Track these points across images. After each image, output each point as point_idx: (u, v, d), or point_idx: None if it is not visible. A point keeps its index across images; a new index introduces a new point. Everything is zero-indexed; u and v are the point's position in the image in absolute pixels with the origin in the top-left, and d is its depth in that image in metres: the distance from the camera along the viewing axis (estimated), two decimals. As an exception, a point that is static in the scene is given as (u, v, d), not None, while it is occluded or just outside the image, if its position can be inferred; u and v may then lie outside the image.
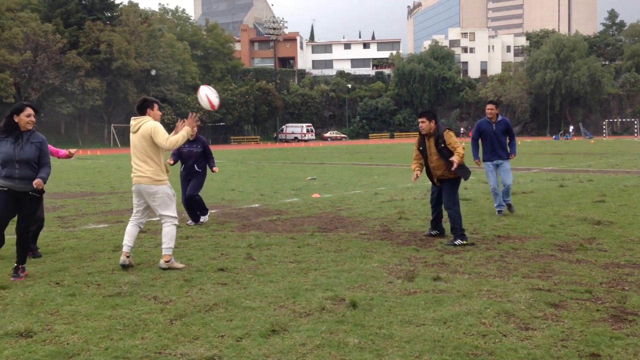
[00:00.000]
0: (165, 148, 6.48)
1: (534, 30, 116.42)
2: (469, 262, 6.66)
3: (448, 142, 7.88)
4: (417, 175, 8.40)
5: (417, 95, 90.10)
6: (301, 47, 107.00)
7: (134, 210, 6.73)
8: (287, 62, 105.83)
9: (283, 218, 10.23)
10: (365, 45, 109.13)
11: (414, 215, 10.24)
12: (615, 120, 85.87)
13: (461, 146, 7.83)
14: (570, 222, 9.24)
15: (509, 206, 10.23)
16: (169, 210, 6.57)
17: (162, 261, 6.50)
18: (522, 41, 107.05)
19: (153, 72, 66.34)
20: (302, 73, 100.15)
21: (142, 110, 6.60)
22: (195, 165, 9.75)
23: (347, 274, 6.20)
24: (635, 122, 77.72)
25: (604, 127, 78.71)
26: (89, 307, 5.08)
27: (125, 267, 6.45)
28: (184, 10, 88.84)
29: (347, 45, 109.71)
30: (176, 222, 6.64)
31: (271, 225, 9.52)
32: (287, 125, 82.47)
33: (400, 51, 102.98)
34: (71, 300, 5.30)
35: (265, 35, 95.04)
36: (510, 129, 10.34)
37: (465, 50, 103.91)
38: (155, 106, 6.68)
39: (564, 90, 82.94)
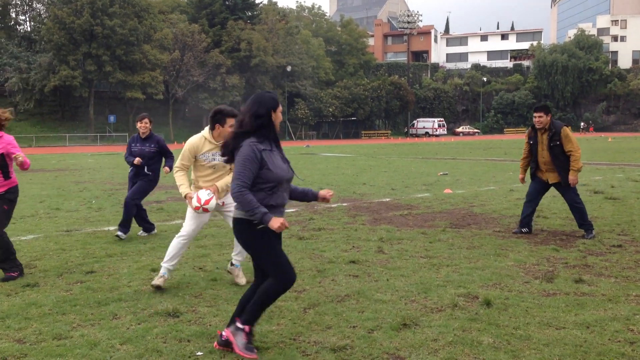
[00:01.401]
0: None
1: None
2: (615, 265, 6.22)
3: (565, 142, 7.63)
4: (522, 178, 8.38)
5: (559, 87, 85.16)
6: (435, 41, 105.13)
7: None
8: (420, 55, 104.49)
9: (414, 213, 10.16)
10: (503, 37, 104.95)
11: (553, 214, 9.72)
12: None
13: (579, 153, 7.60)
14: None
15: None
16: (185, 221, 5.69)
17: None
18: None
19: (289, 69, 68.46)
20: (435, 67, 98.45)
21: (211, 124, 5.50)
22: (145, 167, 8.16)
23: (480, 271, 6.04)
24: None
25: None
26: (228, 292, 5.38)
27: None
28: (320, 7, 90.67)
29: (484, 37, 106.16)
30: (182, 236, 5.60)
31: (402, 219, 9.48)
32: (418, 119, 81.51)
33: (542, 42, 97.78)
34: (213, 285, 5.64)
35: (399, 30, 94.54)
36: None
37: (615, 38, 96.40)
38: (229, 122, 5.36)
39: None
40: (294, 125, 73.57)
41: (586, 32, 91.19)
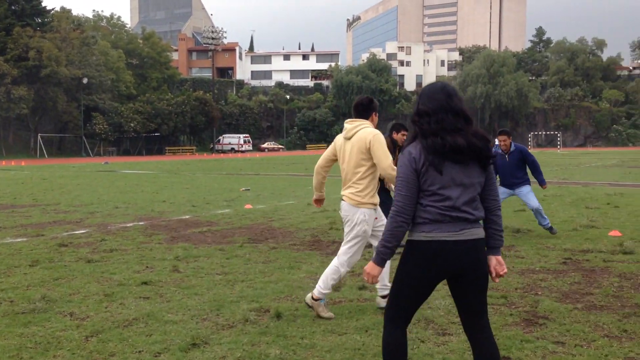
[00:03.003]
0: (384, 172, 4.90)
1: (466, 45, 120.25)
2: (393, 271, 6.75)
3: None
4: None
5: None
6: (240, 58, 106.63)
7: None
8: (225, 72, 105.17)
9: (213, 229, 10.11)
10: (305, 57, 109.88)
11: (345, 226, 10.32)
12: (540, 133, 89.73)
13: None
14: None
15: (550, 229, 9.06)
16: (349, 243, 5.05)
17: (308, 295, 5.13)
18: (456, 56, 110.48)
19: (85, 81, 64.45)
20: (240, 83, 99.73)
21: (365, 113, 5.10)
22: None
23: (274, 285, 6.18)
24: (559, 135, 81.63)
25: (530, 139, 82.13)
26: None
27: None
28: (119, 17, 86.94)
29: (287, 57, 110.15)
30: (343, 265, 5.08)
31: (201, 236, 9.38)
32: (224, 136, 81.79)
33: (339, 63, 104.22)
34: (-20, 318, 5.04)
35: (204, 45, 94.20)
36: (528, 157, 9.08)
37: (401, 63, 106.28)
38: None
39: (494, 104, 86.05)
40: (91, 141, 69.37)
41: (377, 56, 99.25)
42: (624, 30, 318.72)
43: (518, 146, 9.16)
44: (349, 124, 5.04)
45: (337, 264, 5.06)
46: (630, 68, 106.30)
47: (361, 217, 4.96)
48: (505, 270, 3.11)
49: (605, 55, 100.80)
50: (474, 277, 3.04)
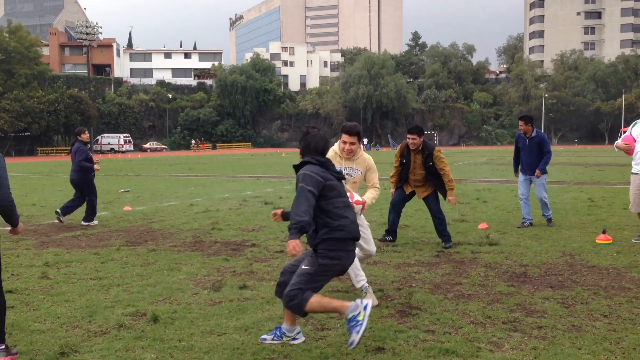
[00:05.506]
0: (375, 193, 6.06)
1: (347, 47, 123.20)
2: (276, 269, 6.79)
3: (437, 162, 7.89)
4: (393, 192, 8.40)
5: (240, 106, 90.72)
6: (118, 55, 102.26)
7: None
8: (102, 69, 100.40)
9: (88, 233, 9.64)
10: (187, 55, 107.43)
11: (228, 226, 10.23)
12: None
13: (450, 174, 7.84)
14: (371, 227, 9.76)
15: (549, 220, 9.85)
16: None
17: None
18: (338, 57, 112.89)
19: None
20: (119, 81, 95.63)
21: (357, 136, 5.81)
22: None
23: (151, 287, 6.00)
24: (435, 134, 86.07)
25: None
26: None
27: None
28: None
29: (168, 55, 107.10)
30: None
31: (74, 241, 8.91)
32: (102, 135, 78.16)
33: (222, 62, 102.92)
34: None
35: (78, 40, 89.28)
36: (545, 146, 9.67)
37: (285, 63, 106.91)
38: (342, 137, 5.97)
39: (375, 105, 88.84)
40: (-49, 141, 63.64)
41: (261, 56, 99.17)
42: (491, 38, 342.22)
43: (540, 133, 9.76)
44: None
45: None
46: (497, 72, 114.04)
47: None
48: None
49: (474, 59, 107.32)
50: None
